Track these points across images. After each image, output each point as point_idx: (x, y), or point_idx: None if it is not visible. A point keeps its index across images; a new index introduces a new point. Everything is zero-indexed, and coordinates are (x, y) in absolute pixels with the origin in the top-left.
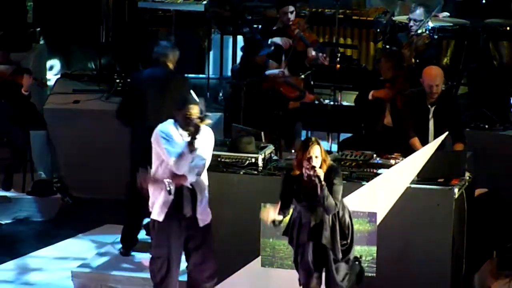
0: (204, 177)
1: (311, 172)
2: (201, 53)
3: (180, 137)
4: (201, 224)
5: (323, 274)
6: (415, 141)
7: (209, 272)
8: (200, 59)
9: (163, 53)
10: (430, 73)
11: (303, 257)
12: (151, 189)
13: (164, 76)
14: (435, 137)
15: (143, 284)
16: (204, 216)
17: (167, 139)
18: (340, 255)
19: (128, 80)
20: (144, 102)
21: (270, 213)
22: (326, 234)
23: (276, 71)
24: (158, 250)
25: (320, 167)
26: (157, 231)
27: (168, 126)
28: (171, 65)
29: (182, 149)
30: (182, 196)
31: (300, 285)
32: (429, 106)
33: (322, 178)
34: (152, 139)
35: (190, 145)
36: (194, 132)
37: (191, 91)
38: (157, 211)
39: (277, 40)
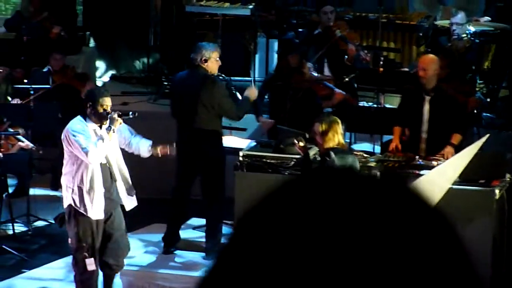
0: None
1: None
2: (247, 56)
3: (93, 132)
4: None
5: None
6: (395, 130)
7: None
8: (246, 62)
9: (195, 56)
10: (424, 59)
11: None
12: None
13: (195, 78)
14: (430, 124)
15: (189, 282)
16: None
17: (75, 135)
18: None
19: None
20: (180, 105)
21: None
22: None
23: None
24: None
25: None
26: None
27: (76, 123)
28: (210, 68)
29: (97, 140)
30: None
31: None
32: (425, 96)
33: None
34: (63, 140)
35: (107, 135)
36: (110, 122)
37: (235, 92)
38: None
39: None
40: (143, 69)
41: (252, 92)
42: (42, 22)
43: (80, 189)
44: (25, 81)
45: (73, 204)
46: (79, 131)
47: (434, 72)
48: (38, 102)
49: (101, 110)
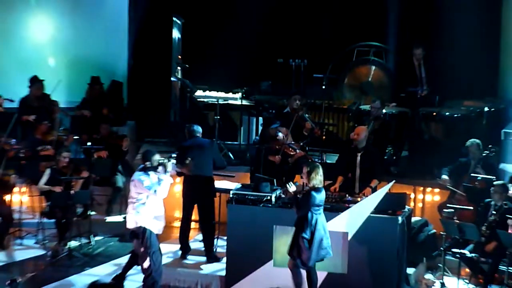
0: None
1: None
2: (235, 127)
3: (156, 178)
4: None
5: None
6: (338, 180)
7: None
8: (234, 132)
9: (194, 130)
10: (357, 129)
11: None
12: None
13: (200, 143)
14: (361, 172)
15: (196, 276)
16: None
17: (142, 181)
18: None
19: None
20: (186, 160)
21: None
22: None
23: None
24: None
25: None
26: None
27: (140, 174)
28: (199, 135)
29: (159, 180)
30: None
31: None
32: (357, 154)
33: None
34: (135, 187)
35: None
36: (164, 167)
37: (228, 153)
38: (158, 227)
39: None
40: (167, 135)
41: None
42: (101, 105)
43: (150, 214)
44: (89, 143)
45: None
46: (145, 179)
47: (364, 137)
48: (97, 157)
49: (156, 164)
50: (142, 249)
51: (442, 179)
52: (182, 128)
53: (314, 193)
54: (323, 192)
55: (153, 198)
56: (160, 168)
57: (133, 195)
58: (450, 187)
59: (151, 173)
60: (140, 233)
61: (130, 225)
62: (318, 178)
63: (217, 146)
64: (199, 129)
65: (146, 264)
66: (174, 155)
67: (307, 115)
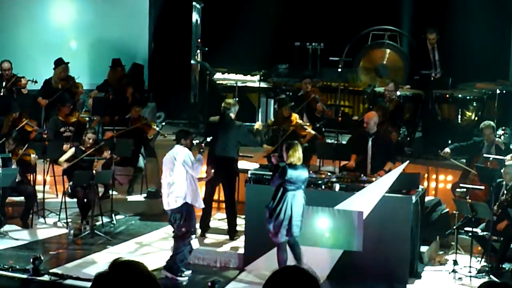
0: None
1: None
2: (253, 109)
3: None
4: None
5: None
6: (352, 157)
7: None
8: (253, 113)
9: (231, 110)
10: (367, 115)
11: None
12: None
13: (227, 122)
14: (372, 156)
15: (216, 255)
16: None
17: (176, 160)
18: None
19: (207, 123)
20: (213, 139)
21: None
22: None
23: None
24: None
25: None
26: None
27: (174, 153)
28: (233, 116)
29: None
30: None
31: None
32: (368, 137)
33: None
34: (168, 165)
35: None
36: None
37: (247, 133)
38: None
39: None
40: (187, 117)
41: (258, 124)
42: (123, 86)
43: (185, 193)
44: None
45: (189, 202)
46: (180, 158)
47: (374, 123)
48: (118, 138)
49: (191, 143)
50: (183, 229)
51: (444, 151)
52: (202, 110)
53: (288, 168)
54: (301, 171)
55: (187, 177)
56: (193, 147)
57: (167, 175)
58: (453, 161)
59: (185, 151)
60: (177, 214)
61: (166, 206)
62: (296, 156)
63: (245, 128)
64: (233, 108)
65: (195, 244)
66: (209, 139)
67: (317, 96)
